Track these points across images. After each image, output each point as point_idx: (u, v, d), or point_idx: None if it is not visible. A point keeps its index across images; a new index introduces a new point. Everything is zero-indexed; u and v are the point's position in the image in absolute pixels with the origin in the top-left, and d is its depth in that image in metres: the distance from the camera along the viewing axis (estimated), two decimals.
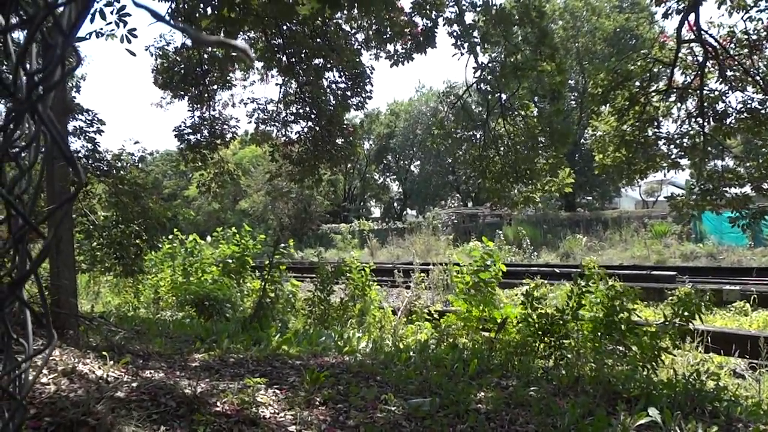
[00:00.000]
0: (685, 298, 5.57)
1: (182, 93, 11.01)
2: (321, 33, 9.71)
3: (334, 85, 10.34)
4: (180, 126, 11.02)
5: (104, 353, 4.23)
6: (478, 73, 7.91)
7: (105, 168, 7.82)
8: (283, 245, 8.86)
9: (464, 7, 7.65)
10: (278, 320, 7.96)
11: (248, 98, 11.32)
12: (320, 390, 3.99)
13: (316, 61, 10.06)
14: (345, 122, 10.73)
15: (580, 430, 3.46)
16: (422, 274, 10.39)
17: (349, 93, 10.07)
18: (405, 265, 16.29)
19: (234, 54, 9.72)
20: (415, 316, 8.14)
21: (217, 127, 11.33)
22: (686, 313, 5.43)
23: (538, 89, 8.02)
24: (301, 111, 10.86)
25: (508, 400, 4.12)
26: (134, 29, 7.30)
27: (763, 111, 8.43)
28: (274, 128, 11.41)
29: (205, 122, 11.23)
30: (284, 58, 10.01)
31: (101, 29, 7.29)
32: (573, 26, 42.83)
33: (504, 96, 8.29)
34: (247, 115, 11.24)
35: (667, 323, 5.43)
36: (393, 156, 58.47)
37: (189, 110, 11.29)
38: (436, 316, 7.81)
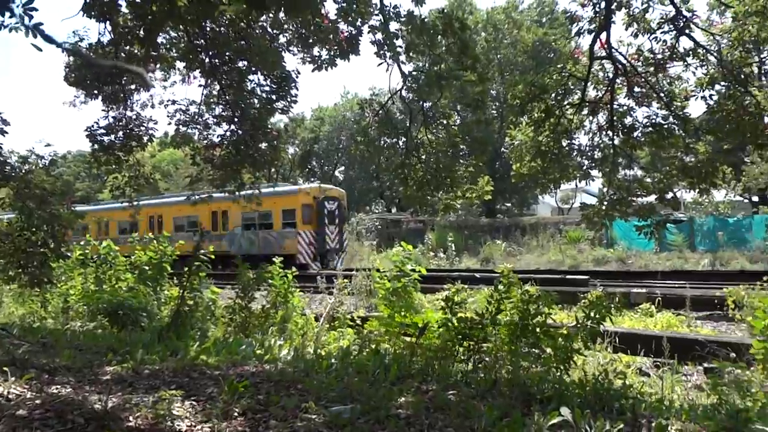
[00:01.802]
0: (597, 301, 5.83)
1: (96, 92, 10.52)
2: (245, 35, 9.55)
3: (258, 89, 10.18)
4: (93, 126, 10.50)
5: (5, 368, 3.97)
6: (401, 82, 8.03)
7: (8, 171, 7.34)
8: (203, 251, 8.61)
9: (389, 16, 7.74)
10: (197, 329, 7.73)
11: (168, 99, 10.92)
12: (239, 400, 3.91)
13: (240, 63, 9.88)
14: (269, 126, 10.58)
15: (497, 431, 3.56)
16: (345, 280, 10.39)
17: (273, 97, 9.94)
18: (328, 270, 16.23)
19: (154, 53, 9.42)
20: (338, 323, 8.12)
21: (133, 129, 10.88)
22: (597, 316, 5.68)
23: (460, 99, 8.23)
24: (224, 114, 10.61)
25: (428, 404, 4.17)
26: (41, 23, 6.89)
27: (666, 125, 9.01)
28: (195, 131, 11.09)
29: (121, 123, 10.77)
30: (207, 60, 9.77)
31: (3, 21, 6.84)
32: (495, 38, 44.24)
33: (427, 105, 8.45)
34: (167, 116, 10.86)
35: (579, 325, 5.67)
36: (317, 161, 58.29)
37: (104, 110, 10.79)
38: (358, 322, 7.83)
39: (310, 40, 8.83)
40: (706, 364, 6.81)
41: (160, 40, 9.72)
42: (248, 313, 8.31)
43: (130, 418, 3.42)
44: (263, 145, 10.37)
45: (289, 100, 9.90)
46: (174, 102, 10.94)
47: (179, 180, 37.58)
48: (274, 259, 11.05)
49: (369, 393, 4.28)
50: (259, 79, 10.08)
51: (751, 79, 8.73)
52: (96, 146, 10.49)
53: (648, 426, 3.76)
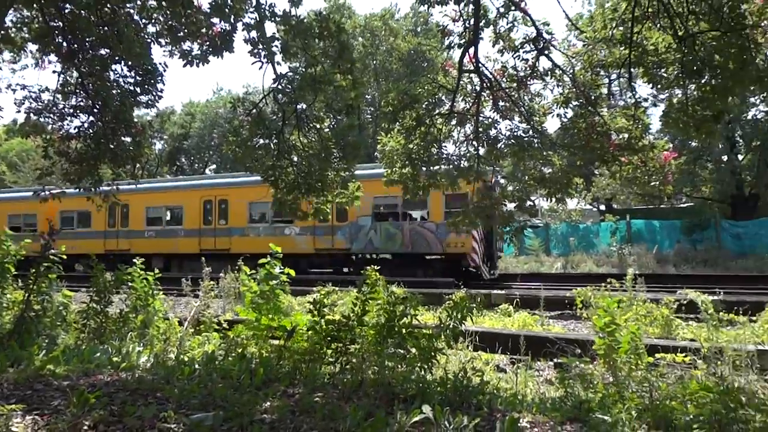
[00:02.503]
0: (460, 302, 6.11)
1: None
2: (109, 21, 8.94)
3: (121, 80, 9.55)
4: None
5: None
6: (275, 82, 7.91)
7: None
8: (53, 251, 7.93)
9: (264, 15, 7.59)
10: (45, 336, 7.10)
11: (18, 84, 9.92)
12: (90, 412, 3.65)
13: (102, 51, 9.23)
14: (133, 120, 9.96)
15: (361, 431, 3.62)
16: (212, 283, 10.02)
17: (138, 89, 9.38)
18: (194, 273, 15.61)
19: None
20: (204, 327, 7.83)
21: None
22: (459, 316, 5.96)
23: (334, 103, 8.27)
24: (82, 104, 9.84)
25: (293, 407, 4.16)
26: None
27: (526, 139, 9.65)
28: (48, 120, 10.18)
29: None
30: (65, 44, 9.02)
31: None
32: (372, 44, 44.98)
33: (301, 106, 8.40)
34: (15, 103, 9.85)
35: (442, 325, 5.91)
36: (187, 158, 56.03)
37: None
38: (225, 325, 7.61)
39: (181, 33, 8.45)
40: (556, 360, 7.32)
41: (9, 18, 8.85)
42: (104, 317, 7.77)
43: None
44: (126, 140, 9.75)
45: (154, 94, 9.40)
46: (24, 87, 9.99)
47: (28, 173, 34.34)
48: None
49: (233, 399, 4.18)
50: (123, 70, 9.48)
51: (600, 101, 9.54)
52: None
53: (502, 419, 3.98)
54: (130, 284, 8.15)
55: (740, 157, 33.07)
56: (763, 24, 6.90)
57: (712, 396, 4.47)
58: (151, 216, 25.54)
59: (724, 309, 9.09)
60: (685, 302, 9.64)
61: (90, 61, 9.15)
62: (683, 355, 6.84)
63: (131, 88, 9.49)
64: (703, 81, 7.31)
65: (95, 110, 9.48)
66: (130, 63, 9.27)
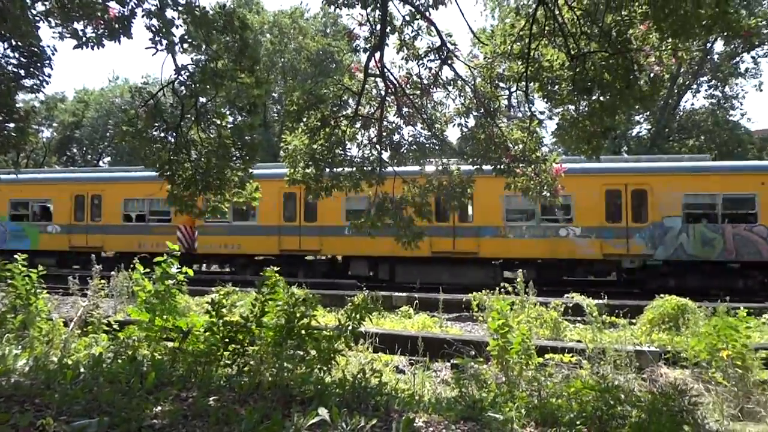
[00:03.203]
0: (361, 303, 6.18)
1: None
2: None
3: (3, 60, 8.82)
4: None
5: None
6: (175, 74, 7.60)
7: None
8: None
9: (166, 2, 7.26)
10: None
11: None
12: None
13: None
14: (16, 104, 9.22)
15: None
16: (102, 281, 9.48)
17: (22, 72, 8.70)
18: (83, 271, 14.73)
19: None
20: (92, 328, 7.38)
21: None
22: (358, 317, 6.02)
23: (238, 100, 8.06)
24: None
25: (186, 412, 4.03)
26: None
27: (428, 145, 9.89)
28: None
29: None
30: None
31: None
32: (280, 42, 44.39)
33: (202, 100, 8.12)
34: None
35: (341, 326, 5.95)
36: (79, 148, 52.78)
37: None
38: (116, 327, 7.23)
39: (74, 14, 7.89)
40: (453, 361, 7.54)
41: None
42: None
43: None
44: (9, 126, 9.02)
45: (41, 78, 8.75)
46: None
47: None
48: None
49: (121, 404, 3.99)
50: (4, 49, 8.76)
51: (499, 113, 9.91)
52: None
53: (398, 420, 4.05)
54: (9, 281, 7.54)
55: None
56: (645, 48, 7.47)
57: (594, 394, 4.80)
58: (352, 208, 19.28)
59: (607, 312, 9.75)
60: (571, 305, 10.23)
61: None
62: (570, 355, 7.29)
63: (14, 70, 8.79)
64: (593, 98, 7.82)
65: None
66: (14, 42, 8.58)
